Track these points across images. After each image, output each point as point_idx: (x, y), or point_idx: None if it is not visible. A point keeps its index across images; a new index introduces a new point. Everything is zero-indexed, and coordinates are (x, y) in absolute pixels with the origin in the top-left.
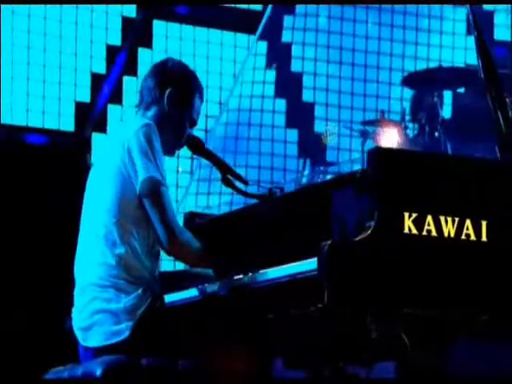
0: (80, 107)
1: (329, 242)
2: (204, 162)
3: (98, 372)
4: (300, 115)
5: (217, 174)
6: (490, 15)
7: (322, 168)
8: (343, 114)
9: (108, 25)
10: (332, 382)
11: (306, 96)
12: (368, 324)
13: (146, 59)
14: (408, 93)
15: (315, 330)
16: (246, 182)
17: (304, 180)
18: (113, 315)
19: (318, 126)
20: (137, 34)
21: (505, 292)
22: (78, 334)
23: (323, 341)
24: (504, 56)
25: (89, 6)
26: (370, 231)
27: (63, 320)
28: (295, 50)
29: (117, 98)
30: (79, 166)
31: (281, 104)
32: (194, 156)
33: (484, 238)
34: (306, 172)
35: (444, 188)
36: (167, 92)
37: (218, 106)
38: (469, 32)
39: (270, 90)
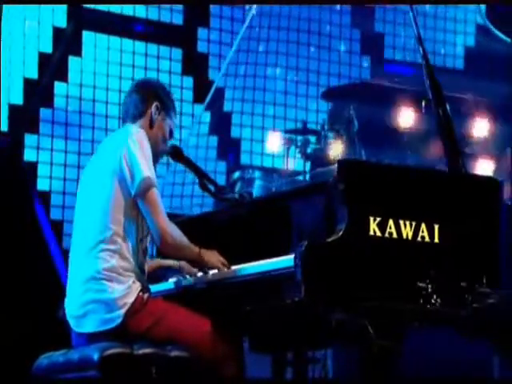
0: (13, 109)
1: (305, 243)
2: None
3: (96, 357)
4: (221, 124)
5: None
6: (381, 37)
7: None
8: (259, 122)
9: (40, 33)
10: (295, 364)
11: (227, 107)
12: (335, 315)
13: (76, 66)
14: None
15: (283, 319)
16: (219, 188)
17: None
18: (105, 305)
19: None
20: (67, 42)
21: (454, 286)
22: (72, 322)
23: (290, 329)
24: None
25: (22, 15)
26: (340, 233)
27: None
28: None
29: (48, 101)
30: (13, 164)
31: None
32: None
33: (436, 240)
34: (237, 174)
35: (403, 195)
36: (154, 105)
37: None
38: (362, 52)
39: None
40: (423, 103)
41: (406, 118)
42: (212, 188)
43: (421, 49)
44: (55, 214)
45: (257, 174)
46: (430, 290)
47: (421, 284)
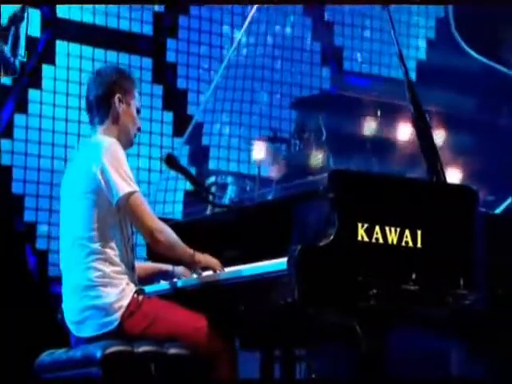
0: None
1: (299, 247)
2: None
3: (98, 354)
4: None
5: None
6: (340, 50)
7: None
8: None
9: None
10: (284, 362)
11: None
12: (326, 315)
13: (49, 74)
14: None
15: (276, 319)
16: (213, 195)
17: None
18: (102, 310)
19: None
20: (41, 51)
21: (435, 288)
22: (71, 327)
23: (282, 329)
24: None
25: None
26: (331, 238)
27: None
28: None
29: (23, 107)
30: None
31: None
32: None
33: (419, 245)
34: (212, 179)
35: (389, 203)
36: (116, 98)
37: None
38: (323, 62)
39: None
40: (378, 112)
41: (370, 126)
42: (205, 194)
43: (402, 66)
44: (29, 216)
45: (229, 179)
46: (413, 292)
47: (405, 286)
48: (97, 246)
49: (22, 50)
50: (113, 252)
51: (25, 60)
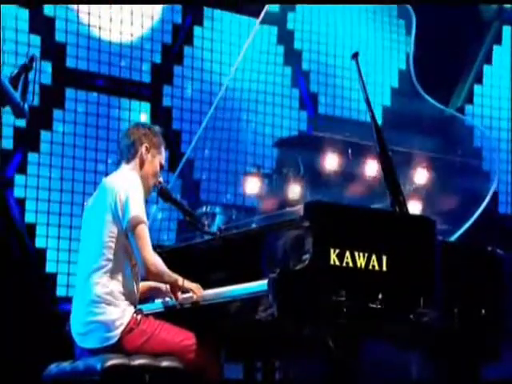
0: (4, 153)
1: (278, 270)
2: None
3: (99, 366)
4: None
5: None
6: (315, 95)
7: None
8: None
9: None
10: (263, 371)
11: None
12: (302, 331)
13: (59, 117)
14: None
15: (257, 334)
16: (202, 224)
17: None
18: (105, 325)
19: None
20: (51, 98)
21: (398, 306)
22: (76, 338)
23: (262, 342)
24: None
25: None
26: (306, 262)
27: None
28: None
29: (35, 147)
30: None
31: None
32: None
33: (385, 268)
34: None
35: (358, 231)
36: (144, 146)
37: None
38: (301, 107)
39: None
40: (349, 151)
41: (333, 162)
42: (195, 223)
43: (369, 112)
44: (40, 243)
45: (218, 209)
46: (379, 310)
47: (372, 305)
48: (107, 263)
49: (30, 96)
50: (120, 272)
51: (35, 105)
